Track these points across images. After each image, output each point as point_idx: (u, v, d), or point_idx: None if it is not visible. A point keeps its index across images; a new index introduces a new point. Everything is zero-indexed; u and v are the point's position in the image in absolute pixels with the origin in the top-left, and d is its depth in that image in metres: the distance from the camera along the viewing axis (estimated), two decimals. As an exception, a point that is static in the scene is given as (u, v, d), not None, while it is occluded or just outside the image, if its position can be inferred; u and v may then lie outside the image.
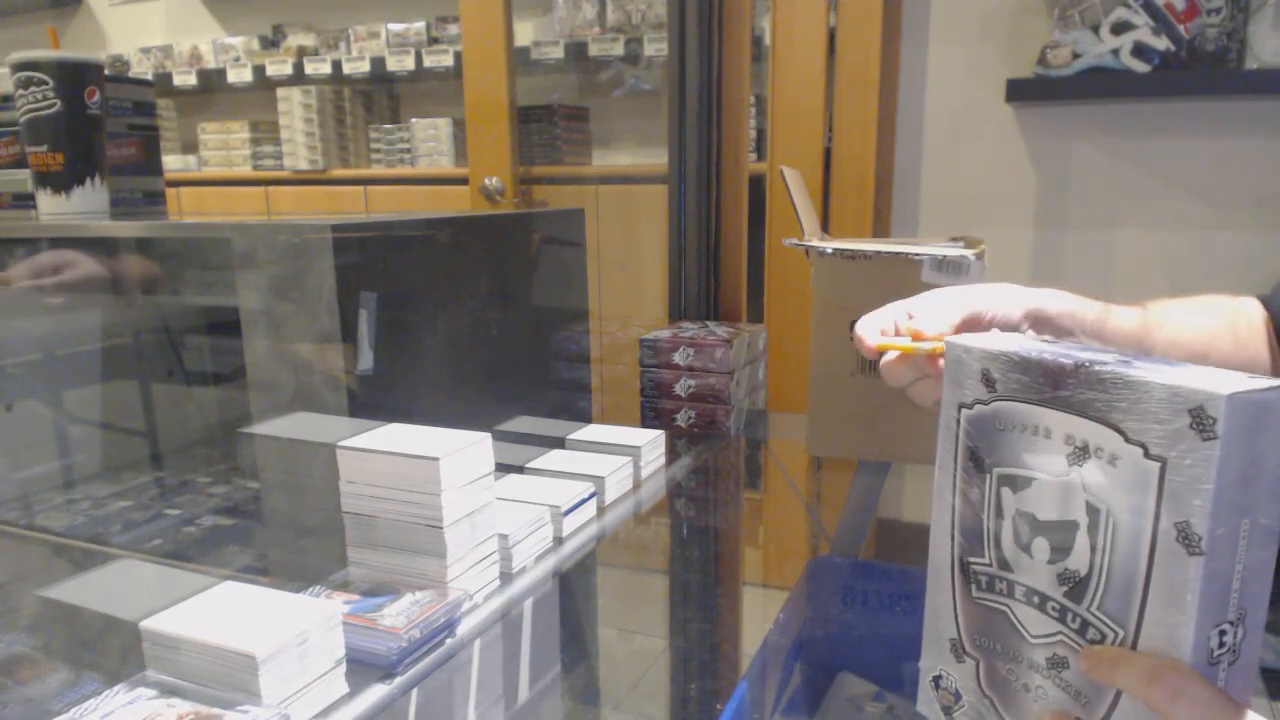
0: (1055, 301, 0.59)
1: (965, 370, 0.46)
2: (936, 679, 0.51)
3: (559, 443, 0.99)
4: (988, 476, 0.45)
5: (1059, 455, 0.41)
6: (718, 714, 0.63)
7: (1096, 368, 0.39)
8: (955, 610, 0.49)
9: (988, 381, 0.45)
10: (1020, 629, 0.45)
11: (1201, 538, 0.36)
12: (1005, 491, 0.44)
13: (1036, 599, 0.44)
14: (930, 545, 0.49)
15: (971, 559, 0.47)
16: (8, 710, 0.61)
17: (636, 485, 0.95)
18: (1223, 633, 0.37)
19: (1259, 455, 0.36)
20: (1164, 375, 0.37)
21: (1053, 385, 0.41)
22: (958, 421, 0.47)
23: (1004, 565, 0.45)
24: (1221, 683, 0.37)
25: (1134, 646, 0.39)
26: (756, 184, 1.53)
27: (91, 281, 0.91)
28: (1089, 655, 0.41)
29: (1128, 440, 0.38)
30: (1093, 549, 0.40)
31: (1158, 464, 0.37)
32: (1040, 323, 0.57)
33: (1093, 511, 0.40)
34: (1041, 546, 0.43)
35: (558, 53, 2.66)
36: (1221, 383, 0.35)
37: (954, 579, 0.48)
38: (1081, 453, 0.40)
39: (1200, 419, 0.35)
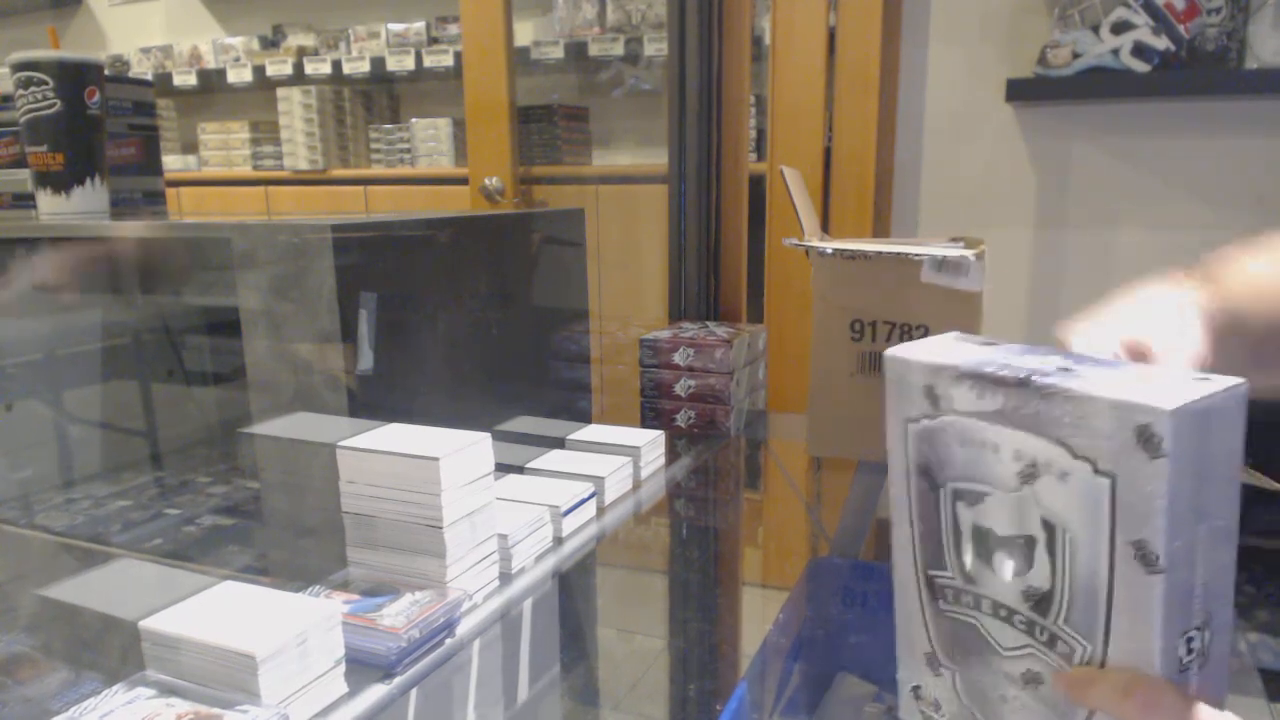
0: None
1: (907, 385, 0.44)
2: (916, 689, 0.50)
3: (559, 443, 0.99)
4: (941, 491, 0.44)
5: (1009, 471, 0.40)
6: (717, 714, 0.63)
7: (1037, 380, 0.38)
8: (925, 623, 0.48)
9: (931, 398, 0.43)
10: (991, 642, 0.44)
11: (1159, 556, 0.35)
12: (960, 506, 0.43)
13: (1004, 612, 0.43)
14: (893, 559, 0.48)
15: (935, 572, 0.46)
16: (8, 710, 0.61)
17: (636, 485, 0.95)
18: (1190, 640, 0.37)
19: (1210, 459, 0.35)
20: (1108, 387, 0.36)
21: (996, 400, 0.40)
22: (904, 437, 0.45)
23: (968, 579, 0.44)
24: (1194, 688, 0.37)
25: (1103, 659, 0.39)
26: (756, 184, 1.52)
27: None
28: (1061, 679, 0.40)
29: (1074, 456, 0.37)
30: (1052, 565, 0.39)
31: (1108, 480, 0.36)
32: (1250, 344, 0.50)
33: (1049, 528, 0.39)
34: (1002, 561, 0.42)
35: (558, 53, 2.66)
36: (1166, 395, 0.34)
37: (920, 592, 0.47)
38: (1031, 469, 0.39)
39: (1146, 437, 0.34)
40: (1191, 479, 0.35)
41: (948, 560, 0.45)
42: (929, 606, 0.47)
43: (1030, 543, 0.40)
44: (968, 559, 0.44)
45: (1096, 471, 0.36)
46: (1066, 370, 0.38)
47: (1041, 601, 0.41)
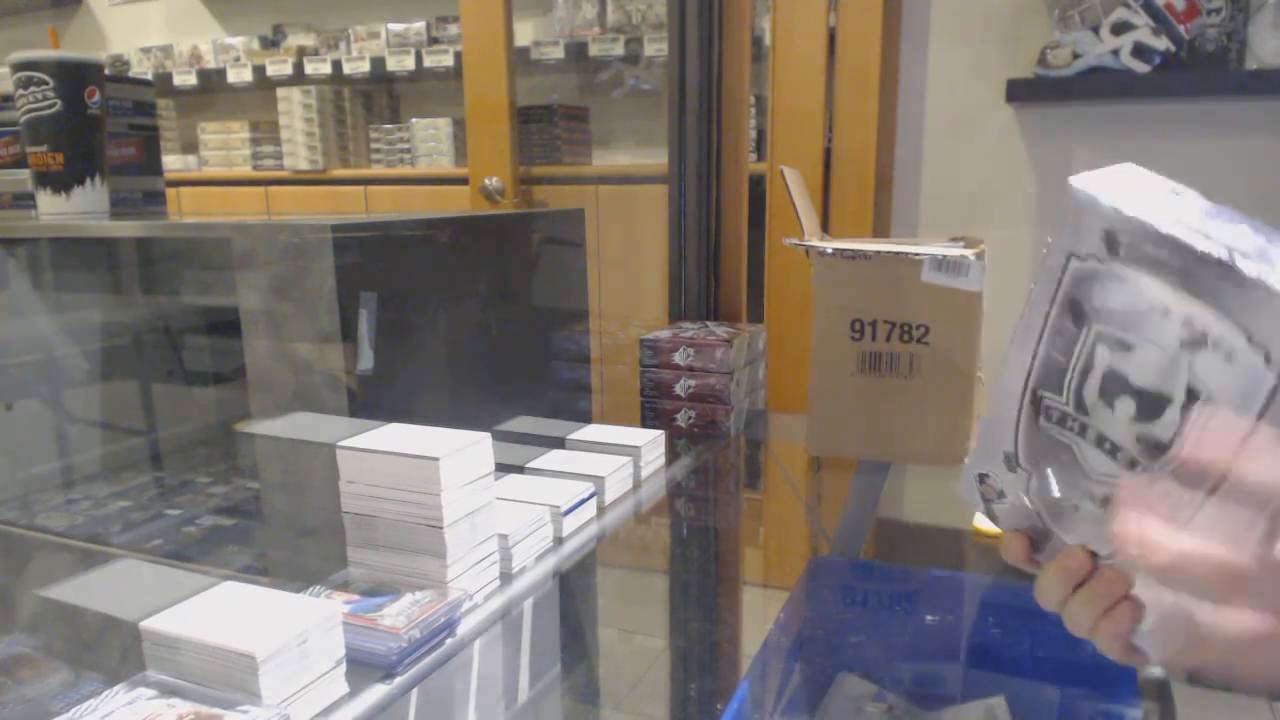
0: None
1: (1086, 222, 0.42)
2: (982, 475, 0.51)
3: (559, 443, 0.99)
4: (1085, 328, 0.43)
5: (1173, 334, 0.39)
6: (718, 714, 0.63)
7: (1240, 265, 0.36)
8: (1017, 432, 0.48)
9: (1110, 243, 0.41)
10: (1083, 464, 0.44)
11: None
12: (1101, 347, 0.42)
13: (1108, 445, 0.43)
14: (1002, 372, 0.47)
15: (1046, 393, 0.45)
16: (8, 710, 0.61)
17: (636, 485, 0.95)
18: None
19: None
20: None
21: (1186, 268, 0.38)
22: (1064, 268, 0.44)
23: (1080, 409, 0.44)
24: None
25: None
26: (756, 184, 1.52)
27: None
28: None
29: (1251, 342, 0.37)
30: (1181, 424, 0.39)
31: (1275, 375, 0.36)
32: None
33: (1192, 394, 0.39)
34: (1127, 405, 0.42)
35: (558, 53, 2.66)
36: None
37: (1022, 405, 0.47)
38: (1199, 340, 0.38)
39: None
40: None
41: (1065, 387, 0.44)
42: (1026, 418, 0.47)
43: (1165, 400, 0.40)
44: (1089, 394, 0.43)
45: (1268, 362, 0.36)
46: (1265, 254, 0.37)
47: (1155, 449, 0.41)
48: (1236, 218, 0.41)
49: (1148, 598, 0.43)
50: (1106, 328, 0.42)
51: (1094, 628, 0.44)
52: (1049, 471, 0.47)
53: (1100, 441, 0.43)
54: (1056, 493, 0.47)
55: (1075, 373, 0.44)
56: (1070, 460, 0.45)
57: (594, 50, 2.65)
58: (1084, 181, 0.43)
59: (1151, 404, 0.40)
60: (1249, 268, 0.36)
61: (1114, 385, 0.42)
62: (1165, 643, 0.43)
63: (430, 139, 2.94)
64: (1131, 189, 0.42)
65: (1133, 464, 0.42)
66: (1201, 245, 0.38)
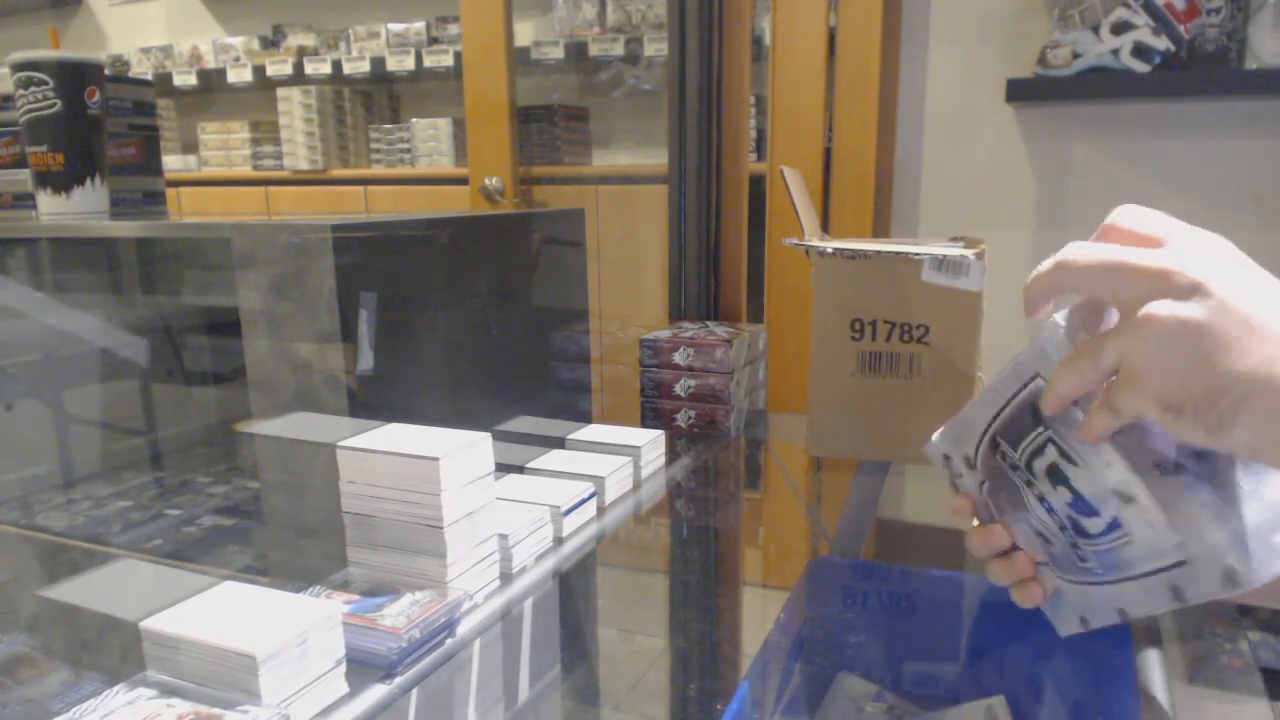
0: None
1: (1055, 355, 0.47)
2: (947, 457, 0.56)
3: (559, 443, 0.99)
4: (1041, 428, 0.48)
5: (1110, 482, 0.45)
6: (718, 714, 0.63)
7: (1174, 463, 0.43)
8: (978, 448, 0.53)
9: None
10: (1026, 504, 0.50)
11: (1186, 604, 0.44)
12: (1051, 448, 0.48)
13: (1047, 505, 0.49)
14: (983, 390, 0.52)
15: (1003, 442, 0.51)
16: (8, 710, 0.61)
17: (636, 485, 0.95)
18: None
19: None
20: (1215, 523, 0.42)
21: (1133, 446, 0.44)
22: (1030, 380, 0.49)
23: (1029, 471, 0.50)
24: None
25: (1103, 587, 0.47)
26: (756, 184, 1.52)
27: None
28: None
29: (1170, 530, 0.43)
30: (1104, 534, 0.46)
31: (1180, 555, 0.43)
32: None
33: (1114, 524, 0.45)
34: (1065, 495, 0.48)
35: (558, 53, 2.66)
36: (1267, 562, 0.41)
37: (985, 434, 0.52)
38: (1129, 499, 0.45)
39: (1229, 574, 0.41)
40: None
41: (1020, 451, 0.50)
42: (986, 446, 0.53)
43: (1095, 511, 0.46)
44: (1037, 469, 0.49)
45: (1177, 547, 0.43)
46: (1194, 486, 0.43)
47: (1084, 534, 0.47)
48: (1202, 458, 0.46)
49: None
50: (1058, 439, 0.48)
51: (1004, 583, 0.54)
52: (1002, 488, 0.52)
53: (1042, 500, 0.49)
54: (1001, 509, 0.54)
55: (1028, 450, 0.50)
56: (1016, 493, 0.51)
57: (594, 50, 2.65)
58: (1064, 317, 0.48)
59: (1085, 505, 0.47)
60: (1190, 486, 0.43)
61: (1057, 477, 0.48)
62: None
63: (430, 139, 2.94)
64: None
65: (1063, 528, 0.48)
66: (1158, 443, 0.44)
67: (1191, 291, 0.39)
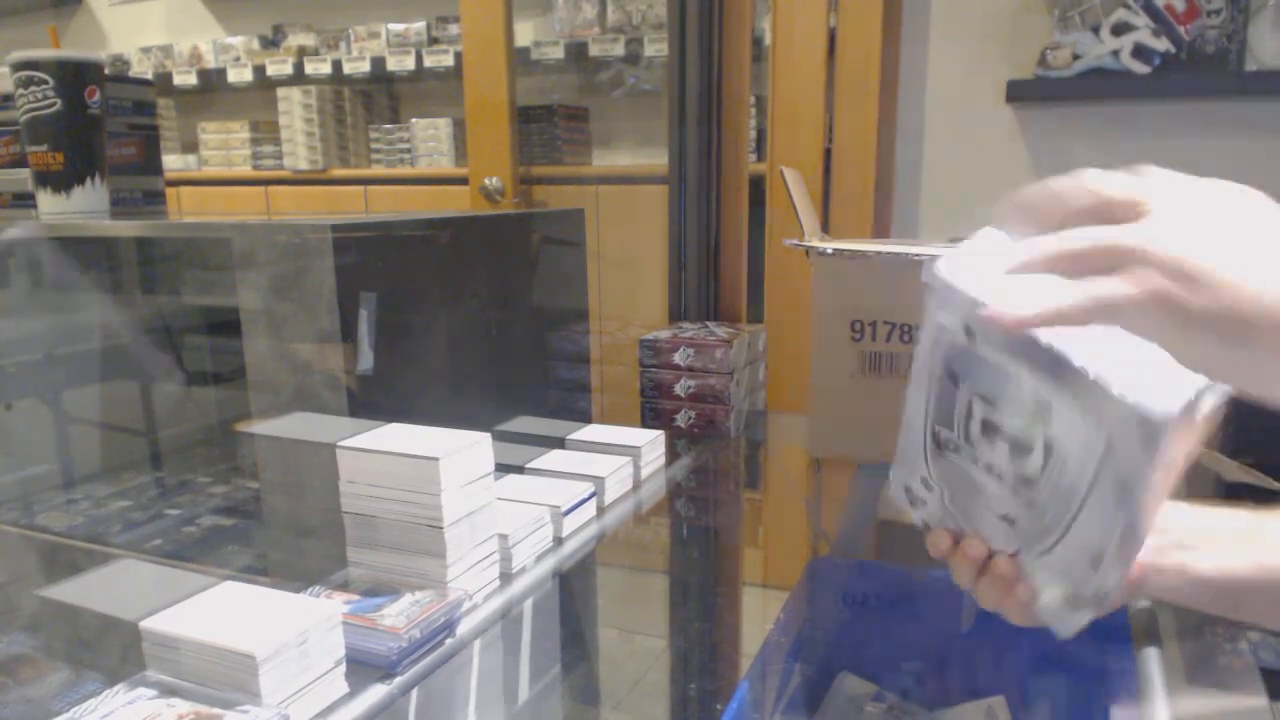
0: None
1: (947, 313, 0.49)
2: (907, 488, 0.58)
3: (559, 443, 0.98)
4: (962, 386, 0.50)
5: (1027, 402, 0.47)
6: (718, 714, 0.63)
7: (1062, 352, 0.43)
8: (925, 458, 0.55)
9: (968, 331, 0.48)
10: (981, 489, 0.52)
11: (1133, 505, 0.43)
12: (977, 402, 0.50)
13: (995, 471, 0.50)
14: (907, 401, 0.55)
15: (941, 428, 0.53)
16: (9, 710, 0.62)
17: (636, 485, 0.95)
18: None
19: (1184, 433, 0.42)
20: (1125, 379, 0.41)
21: (1028, 352, 0.45)
22: (936, 342, 0.51)
23: (969, 442, 0.51)
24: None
25: (1065, 534, 0.48)
26: (756, 184, 1.52)
27: None
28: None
29: (1084, 415, 0.43)
30: (1043, 467, 0.47)
31: (1103, 443, 0.43)
32: None
33: (1047, 447, 0.46)
34: (1002, 446, 0.49)
35: (558, 53, 2.66)
36: (1170, 395, 0.40)
37: (926, 439, 0.54)
38: (1045, 410, 0.46)
39: (1147, 429, 0.40)
40: (1169, 452, 0.41)
41: (955, 426, 0.52)
42: (930, 447, 0.54)
43: (1029, 446, 0.48)
44: (973, 433, 0.51)
45: (1099, 428, 0.43)
46: (1097, 352, 0.43)
47: (1027, 483, 0.49)
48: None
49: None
50: (978, 388, 0.50)
51: (999, 604, 0.54)
52: (958, 488, 0.54)
53: (989, 469, 0.51)
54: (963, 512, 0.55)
55: (960, 416, 0.52)
56: (970, 484, 0.53)
57: (594, 50, 2.65)
58: (944, 269, 0.50)
59: (1020, 448, 0.48)
60: (1071, 360, 0.43)
61: (990, 430, 0.50)
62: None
63: (430, 139, 2.94)
64: (986, 274, 0.48)
65: (1015, 489, 0.50)
66: (1044, 339, 0.44)
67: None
